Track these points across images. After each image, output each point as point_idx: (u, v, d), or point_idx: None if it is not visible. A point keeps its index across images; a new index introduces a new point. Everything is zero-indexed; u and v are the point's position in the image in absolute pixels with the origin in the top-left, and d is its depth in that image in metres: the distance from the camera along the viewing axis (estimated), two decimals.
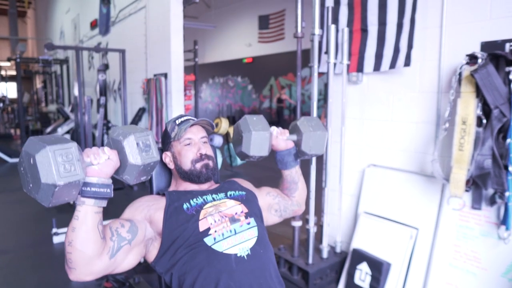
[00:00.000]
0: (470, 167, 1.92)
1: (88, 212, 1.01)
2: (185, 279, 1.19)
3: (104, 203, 1.04)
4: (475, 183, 1.96)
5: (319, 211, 2.75)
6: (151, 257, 1.26)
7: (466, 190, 1.98)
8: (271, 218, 1.50)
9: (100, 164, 1.02)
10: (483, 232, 2.04)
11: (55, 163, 0.88)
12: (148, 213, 1.26)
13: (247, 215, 1.33)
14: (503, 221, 1.93)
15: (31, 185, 0.91)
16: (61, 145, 0.91)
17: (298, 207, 1.55)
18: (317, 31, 2.54)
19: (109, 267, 1.08)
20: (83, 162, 0.96)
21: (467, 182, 1.95)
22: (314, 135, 1.41)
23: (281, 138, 1.43)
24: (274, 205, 1.49)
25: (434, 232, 2.24)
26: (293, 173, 1.49)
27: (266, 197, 1.49)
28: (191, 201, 1.30)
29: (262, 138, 1.32)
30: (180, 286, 1.20)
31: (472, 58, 1.93)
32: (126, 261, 1.14)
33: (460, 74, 1.99)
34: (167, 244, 1.23)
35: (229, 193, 1.39)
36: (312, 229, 2.64)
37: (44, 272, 2.95)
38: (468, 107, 1.92)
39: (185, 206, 1.28)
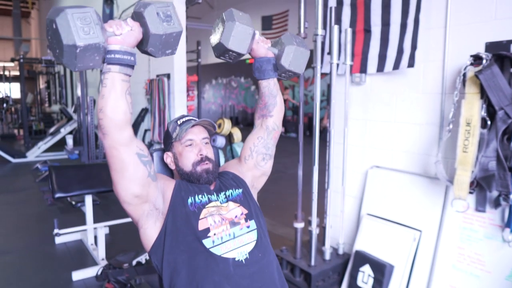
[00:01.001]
0: (474, 169, 1.90)
1: (115, 79, 1.05)
2: (180, 279, 1.19)
3: (129, 71, 1.08)
4: (479, 185, 1.95)
5: (321, 213, 2.73)
6: (150, 240, 1.25)
7: (470, 192, 1.97)
8: (265, 167, 1.47)
9: (122, 35, 1.05)
10: (487, 235, 2.02)
11: (74, 25, 0.94)
12: (162, 186, 1.28)
13: (247, 218, 1.32)
14: (508, 224, 1.91)
15: (57, 51, 0.97)
16: (79, 9, 0.96)
17: (276, 129, 1.45)
18: (320, 31, 2.52)
19: (130, 155, 1.13)
20: (105, 31, 1.01)
21: (471, 184, 1.93)
22: (296, 50, 1.36)
23: (262, 45, 1.37)
24: (257, 158, 1.45)
25: (438, 234, 2.22)
26: (271, 85, 1.41)
27: (247, 163, 1.46)
28: (196, 196, 1.30)
29: (245, 32, 1.25)
30: (176, 286, 1.20)
31: (477, 59, 1.92)
32: (134, 182, 1.16)
33: (464, 75, 1.97)
34: (167, 230, 1.23)
35: (227, 193, 1.37)
36: (315, 230, 2.63)
37: (46, 273, 2.95)
38: (473, 108, 1.90)
39: (189, 200, 1.28)
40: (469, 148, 1.91)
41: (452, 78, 2.17)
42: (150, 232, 1.25)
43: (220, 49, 1.27)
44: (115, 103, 1.05)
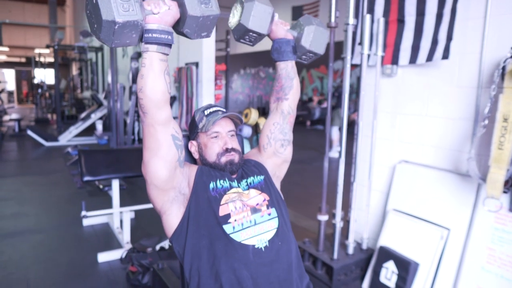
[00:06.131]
0: (509, 167, 1.82)
1: (153, 58, 1.06)
2: (201, 264, 1.19)
3: (167, 50, 1.08)
4: None
5: (346, 206, 2.69)
6: (173, 226, 1.25)
7: (504, 192, 1.88)
8: (285, 153, 1.44)
9: (160, 13, 1.05)
10: None
11: (114, 1, 0.95)
12: (188, 172, 1.29)
13: (268, 205, 1.31)
14: None
15: (95, 26, 0.98)
16: None
17: (291, 113, 1.43)
18: (351, 20, 2.46)
19: (165, 135, 1.15)
20: (143, 9, 1.01)
21: (506, 183, 1.85)
22: (316, 29, 1.33)
23: (281, 27, 1.35)
24: (275, 145, 1.43)
25: (467, 234, 2.15)
26: (289, 67, 1.39)
27: (266, 151, 1.44)
28: (218, 182, 1.29)
29: (265, 12, 1.23)
30: (197, 270, 1.20)
31: None
32: (165, 163, 1.18)
33: (503, 68, 1.88)
34: (190, 215, 1.23)
35: (249, 180, 1.36)
36: (339, 224, 2.59)
37: (73, 253, 3.04)
38: (511, 104, 1.81)
39: (211, 185, 1.27)
40: (505, 145, 1.82)
41: (489, 71, 2.07)
42: (172, 218, 1.25)
43: (240, 31, 1.25)
44: (153, 82, 1.07)
